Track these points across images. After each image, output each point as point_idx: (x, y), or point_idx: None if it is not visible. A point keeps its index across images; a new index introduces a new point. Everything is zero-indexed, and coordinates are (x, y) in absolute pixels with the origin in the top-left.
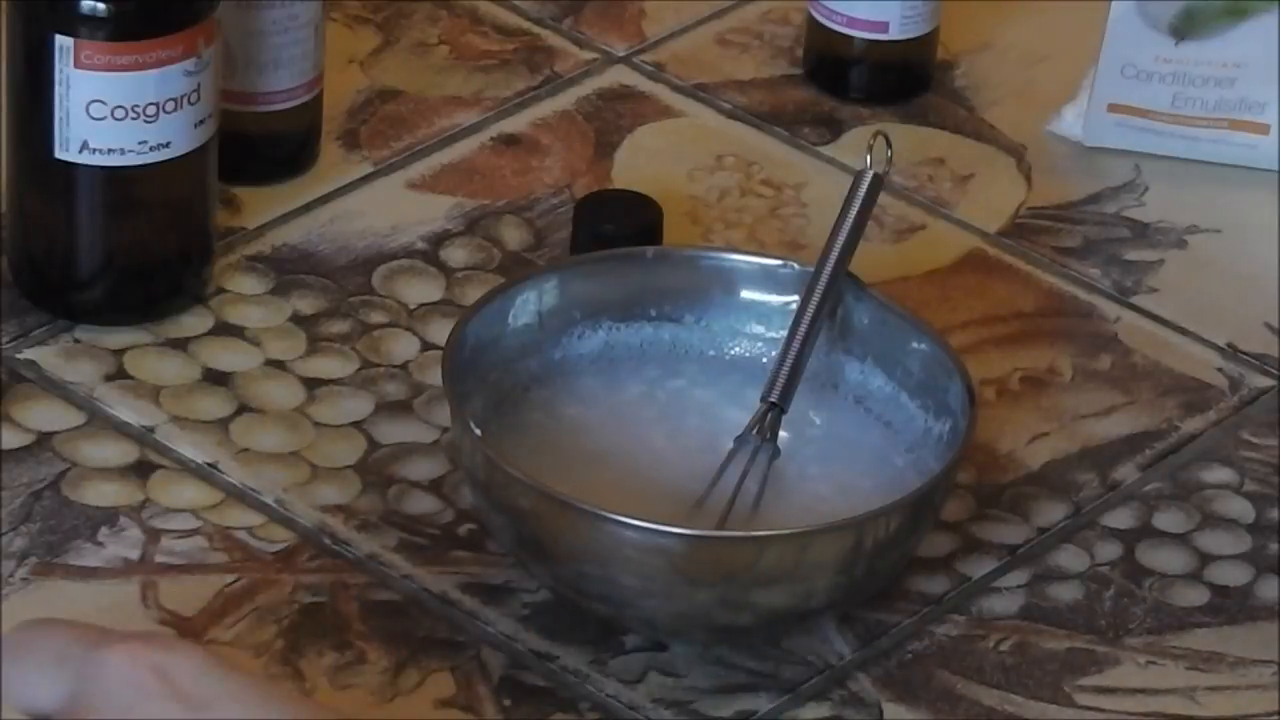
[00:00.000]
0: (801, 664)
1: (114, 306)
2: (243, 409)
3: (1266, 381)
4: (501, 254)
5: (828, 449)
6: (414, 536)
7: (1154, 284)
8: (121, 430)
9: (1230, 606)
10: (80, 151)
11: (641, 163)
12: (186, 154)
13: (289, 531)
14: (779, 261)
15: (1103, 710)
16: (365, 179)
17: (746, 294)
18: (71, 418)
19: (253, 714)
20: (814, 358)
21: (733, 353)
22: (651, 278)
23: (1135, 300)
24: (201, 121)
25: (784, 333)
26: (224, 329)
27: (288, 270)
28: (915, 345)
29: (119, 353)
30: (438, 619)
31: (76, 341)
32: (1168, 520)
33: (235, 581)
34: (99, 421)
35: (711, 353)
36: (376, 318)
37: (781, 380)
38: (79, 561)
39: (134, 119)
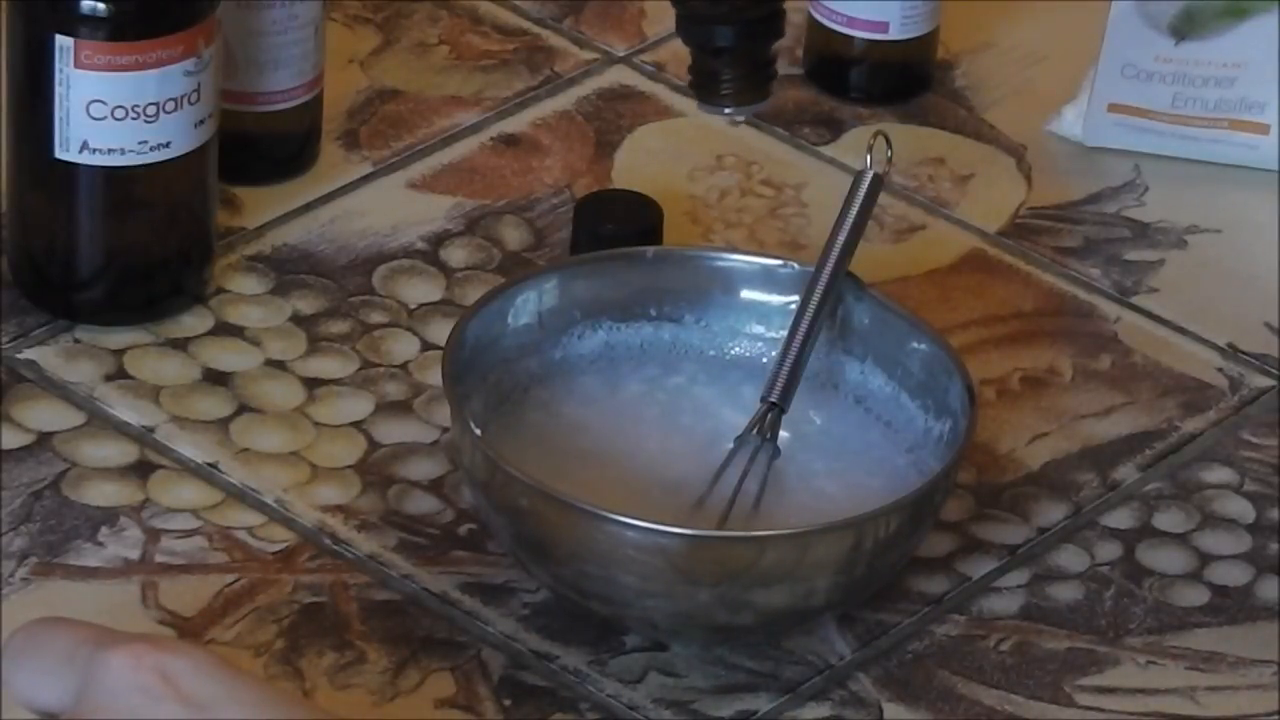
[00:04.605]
0: (801, 664)
1: (114, 306)
2: (243, 409)
3: (1266, 381)
4: (501, 254)
5: (828, 449)
6: (414, 536)
7: (1154, 284)
8: (121, 430)
9: (1230, 606)
10: (80, 151)
11: (641, 163)
12: (186, 154)
13: (289, 531)
14: (779, 261)
15: (1103, 710)
16: (365, 179)
17: (746, 294)
18: (71, 418)
19: (255, 716)
20: (814, 358)
21: (733, 353)
22: (651, 278)
23: (1135, 300)
24: (201, 121)
25: (784, 333)
26: (224, 329)
27: (288, 270)
28: (915, 345)
29: (119, 353)
30: (438, 619)
31: (76, 341)
32: (1168, 520)
33: (235, 581)
34: (99, 421)
35: (711, 352)
36: (376, 318)
37: (781, 380)
38: (79, 561)
39: (134, 119)
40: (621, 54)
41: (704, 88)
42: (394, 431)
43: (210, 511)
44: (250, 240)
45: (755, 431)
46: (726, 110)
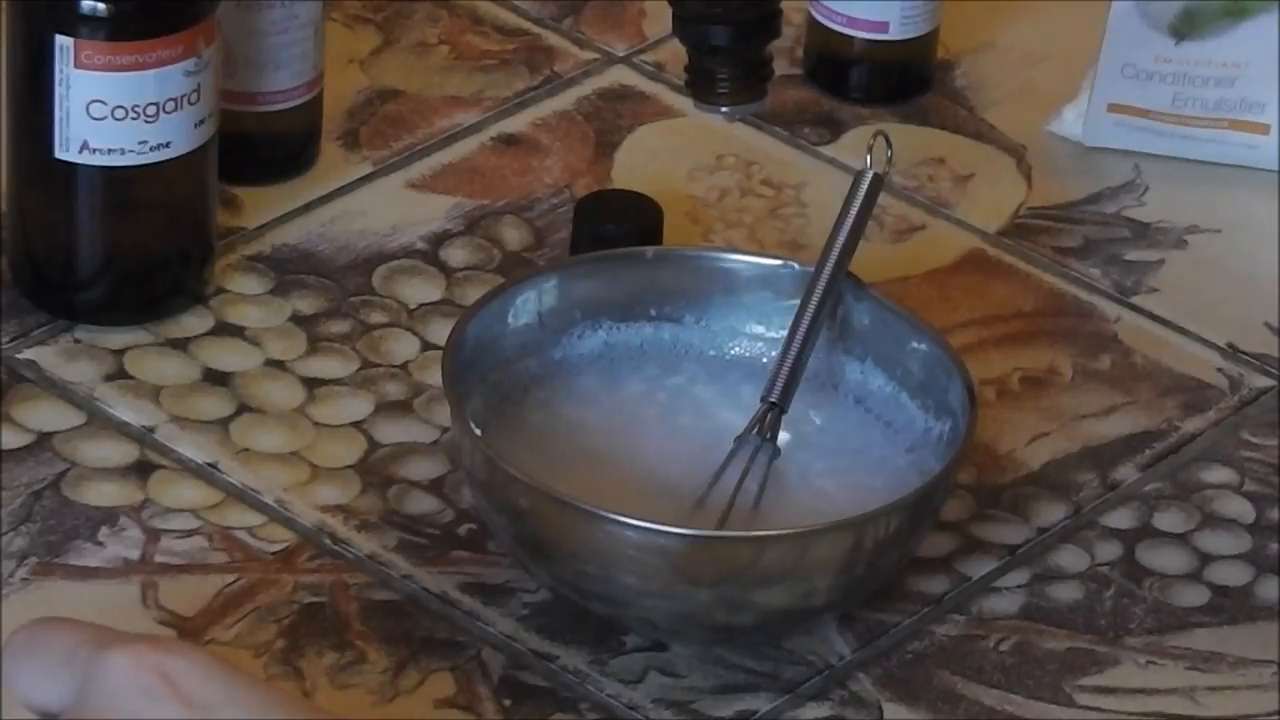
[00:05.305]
0: (801, 664)
1: (114, 306)
2: (243, 409)
3: (1266, 381)
4: (501, 254)
5: (828, 449)
6: (414, 536)
7: (1154, 284)
8: (121, 430)
9: (1230, 606)
10: (80, 151)
11: (641, 163)
12: (186, 154)
13: (289, 531)
14: (779, 262)
15: (1103, 710)
16: (365, 179)
17: (746, 294)
18: (71, 418)
19: (255, 717)
20: (814, 358)
21: (733, 353)
22: (651, 278)
23: (1135, 300)
24: (201, 121)
25: (784, 333)
26: (224, 329)
27: (288, 270)
28: (915, 345)
29: (119, 353)
30: (438, 619)
31: (76, 341)
32: (1168, 520)
33: (235, 581)
34: (99, 421)
35: (711, 353)
36: (376, 318)
37: (781, 380)
38: (79, 561)
39: (134, 119)
40: (621, 54)
41: (700, 87)
42: (394, 431)
43: (210, 511)
44: (250, 240)
45: (755, 431)
46: (723, 110)
